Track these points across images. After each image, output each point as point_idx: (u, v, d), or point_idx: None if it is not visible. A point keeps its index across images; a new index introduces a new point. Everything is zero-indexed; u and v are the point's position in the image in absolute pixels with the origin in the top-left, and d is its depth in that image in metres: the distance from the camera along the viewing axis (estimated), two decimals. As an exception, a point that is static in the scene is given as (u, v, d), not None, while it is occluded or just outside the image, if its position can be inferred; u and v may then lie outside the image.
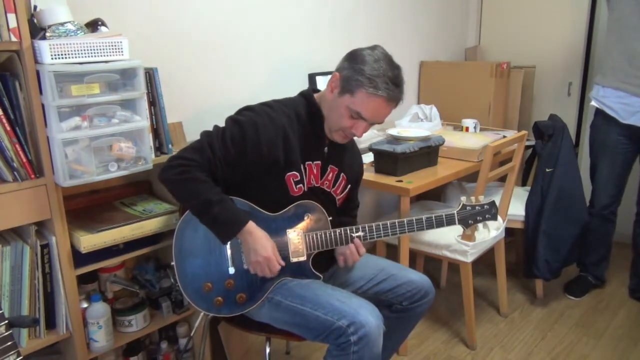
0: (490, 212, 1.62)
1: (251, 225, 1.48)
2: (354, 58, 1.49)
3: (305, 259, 1.56)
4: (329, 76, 1.55)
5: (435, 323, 2.50)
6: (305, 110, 1.57)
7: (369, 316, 1.42)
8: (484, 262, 2.84)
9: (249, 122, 1.49)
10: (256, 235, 1.48)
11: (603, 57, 2.57)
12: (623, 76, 2.38)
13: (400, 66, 1.51)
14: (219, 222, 1.48)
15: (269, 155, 1.49)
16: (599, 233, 2.65)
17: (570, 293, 2.73)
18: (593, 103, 2.55)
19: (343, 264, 1.62)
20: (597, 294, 2.75)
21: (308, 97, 1.60)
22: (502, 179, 2.35)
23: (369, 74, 1.44)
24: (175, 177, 1.47)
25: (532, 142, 2.73)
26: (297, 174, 1.55)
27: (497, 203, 2.35)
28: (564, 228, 2.53)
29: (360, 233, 1.56)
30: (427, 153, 2.28)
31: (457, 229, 2.07)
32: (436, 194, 2.74)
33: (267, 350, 1.68)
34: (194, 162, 1.46)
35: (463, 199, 1.62)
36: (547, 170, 2.53)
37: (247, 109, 1.55)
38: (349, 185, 1.70)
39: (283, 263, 1.51)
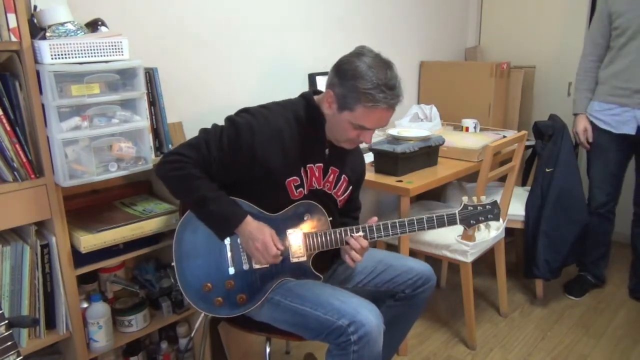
0: (492, 212, 1.60)
1: (249, 219, 1.49)
2: (343, 73, 1.45)
3: (305, 259, 1.55)
4: (329, 76, 1.54)
5: (435, 323, 2.50)
6: (305, 112, 1.55)
7: (369, 315, 1.42)
8: (484, 262, 2.84)
9: (245, 124, 1.48)
10: (253, 226, 1.49)
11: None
12: (610, 89, 2.47)
13: (390, 61, 1.47)
14: (215, 217, 1.49)
15: (263, 159, 1.48)
16: (597, 232, 2.65)
17: (570, 293, 2.73)
18: (589, 118, 2.59)
19: (352, 263, 1.57)
20: (597, 294, 2.75)
21: (308, 99, 1.57)
22: (502, 179, 2.35)
23: (363, 88, 1.40)
24: (171, 173, 1.48)
25: (532, 142, 2.73)
26: (297, 178, 1.54)
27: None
28: (564, 228, 2.53)
29: (361, 233, 1.55)
30: (427, 153, 2.28)
31: (457, 229, 2.07)
32: (436, 194, 2.74)
33: (267, 350, 1.68)
34: (190, 159, 1.46)
35: (465, 198, 1.61)
36: (547, 170, 2.53)
37: (245, 110, 1.54)
38: (351, 187, 1.69)
39: (282, 247, 1.51)
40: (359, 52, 1.47)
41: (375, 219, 1.59)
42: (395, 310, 1.67)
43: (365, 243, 1.54)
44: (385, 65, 1.45)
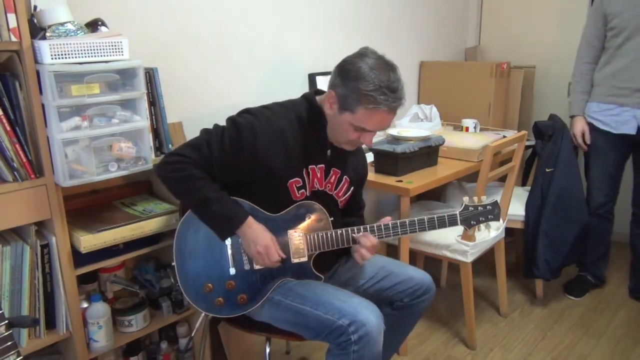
0: (493, 212, 1.60)
1: (250, 220, 1.49)
2: (345, 74, 1.44)
3: (306, 259, 1.55)
4: (329, 76, 1.53)
5: (435, 323, 2.50)
6: (307, 113, 1.54)
7: (370, 315, 1.42)
8: (484, 262, 2.84)
9: (247, 125, 1.48)
10: (255, 228, 1.48)
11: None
12: (608, 89, 2.47)
13: (394, 64, 1.46)
14: (217, 218, 1.49)
15: (265, 159, 1.47)
16: (597, 232, 2.65)
17: (570, 293, 2.73)
18: (587, 119, 2.59)
19: (361, 261, 1.56)
20: (597, 294, 2.75)
21: (310, 100, 1.57)
22: (502, 179, 2.35)
23: (365, 90, 1.40)
24: (172, 174, 1.47)
25: (532, 142, 2.73)
26: (300, 179, 1.54)
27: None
28: (564, 228, 2.53)
29: (362, 233, 1.55)
30: (427, 153, 2.28)
31: (457, 229, 2.07)
32: (436, 194, 2.74)
33: (267, 350, 1.68)
34: (191, 160, 1.46)
35: (465, 199, 1.60)
36: (547, 170, 2.53)
37: (247, 111, 1.54)
38: (352, 187, 1.68)
39: (283, 255, 1.51)
40: (362, 53, 1.46)
41: (388, 218, 1.57)
42: (392, 319, 1.66)
43: (375, 240, 1.53)
44: (388, 67, 1.44)
